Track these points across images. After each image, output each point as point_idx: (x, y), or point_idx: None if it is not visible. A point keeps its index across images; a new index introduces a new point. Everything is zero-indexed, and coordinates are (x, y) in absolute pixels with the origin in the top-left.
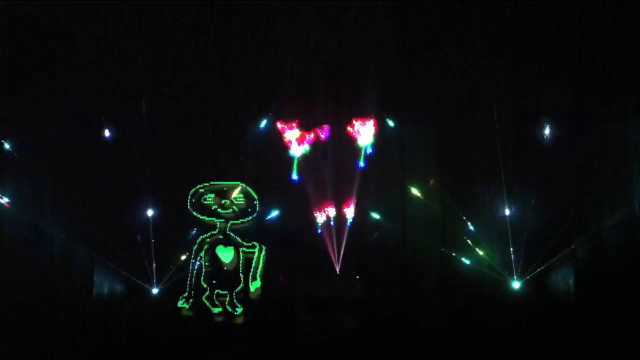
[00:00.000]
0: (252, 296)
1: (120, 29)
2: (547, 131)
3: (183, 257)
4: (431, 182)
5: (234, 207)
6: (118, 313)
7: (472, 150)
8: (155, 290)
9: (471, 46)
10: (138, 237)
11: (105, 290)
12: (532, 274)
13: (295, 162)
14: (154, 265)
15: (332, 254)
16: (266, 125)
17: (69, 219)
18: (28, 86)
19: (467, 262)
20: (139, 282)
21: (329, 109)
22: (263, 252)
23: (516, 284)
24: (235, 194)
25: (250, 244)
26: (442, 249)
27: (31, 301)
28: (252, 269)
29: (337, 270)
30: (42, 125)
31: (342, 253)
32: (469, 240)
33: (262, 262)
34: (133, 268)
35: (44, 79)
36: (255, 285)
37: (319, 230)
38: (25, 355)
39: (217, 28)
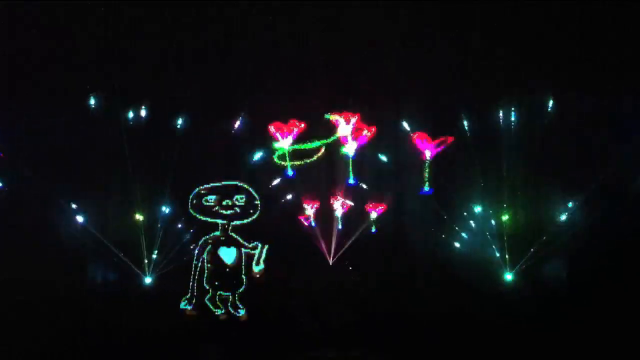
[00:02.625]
0: (254, 275)
1: (118, 28)
2: (540, 126)
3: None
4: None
5: (235, 207)
6: (114, 306)
7: (467, 145)
8: (148, 280)
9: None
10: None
11: (100, 282)
12: (525, 267)
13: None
14: (148, 256)
15: (325, 247)
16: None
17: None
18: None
19: (462, 255)
20: (133, 272)
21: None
22: (266, 248)
23: (509, 276)
24: (236, 194)
25: (252, 245)
26: (437, 242)
27: (28, 298)
28: (256, 257)
29: (330, 262)
30: (37, 118)
31: (335, 246)
32: (463, 234)
33: (265, 254)
34: (127, 259)
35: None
36: (259, 268)
37: (313, 224)
38: (24, 352)
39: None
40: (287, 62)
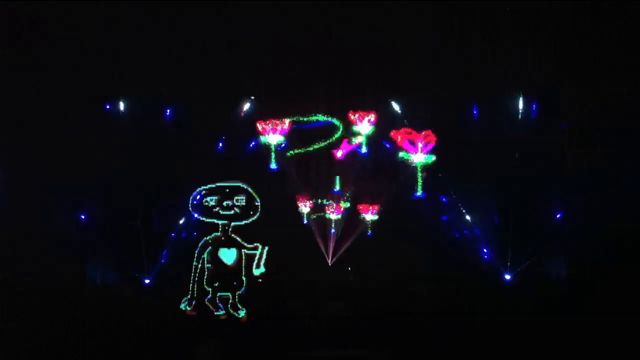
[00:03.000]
0: (255, 279)
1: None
2: (539, 124)
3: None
4: (423, 174)
5: (235, 208)
6: (114, 306)
7: (465, 143)
8: (147, 281)
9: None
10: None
11: (100, 283)
12: (524, 266)
13: (273, 150)
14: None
15: (324, 248)
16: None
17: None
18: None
19: (462, 254)
20: (133, 273)
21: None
22: (266, 249)
23: (508, 276)
24: (237, 194)
25: (252, 245)
26: (435, 242)
27: (28, 298)
28: (256, 260)
29: (329, 263)
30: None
31: (333, 247)
32: (462, 233)
33: (265, 256)
34: (126, 259)
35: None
36: (259, 272)
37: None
38: (24, 353)
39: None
40: (286, 61)
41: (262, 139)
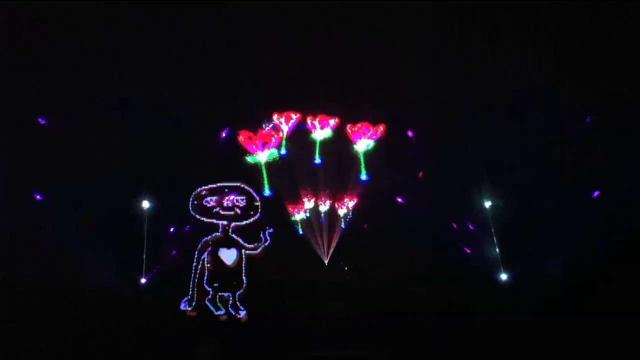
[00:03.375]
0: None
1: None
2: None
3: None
4: (420, 174)
5: (235, 208)
6: (114, 307)
7: (463, 145)
8: (143, 280)
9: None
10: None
11: (100, 283)
12: (524, 266)
13: (264, 169)
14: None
15: (320, 248)
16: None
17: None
18: None
19: (461, 253)
20: (133, 273)
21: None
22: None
23: (504, 276)
24: (237, 195)
25: (252, 245)
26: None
27: (28, 299)
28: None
29: (326, 262)
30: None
31: (331, 247)
32: (460, 233)
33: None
34: (125, 259)
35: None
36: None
37: (301, 232)
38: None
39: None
40: (286, 61)
41: (250, 158)
